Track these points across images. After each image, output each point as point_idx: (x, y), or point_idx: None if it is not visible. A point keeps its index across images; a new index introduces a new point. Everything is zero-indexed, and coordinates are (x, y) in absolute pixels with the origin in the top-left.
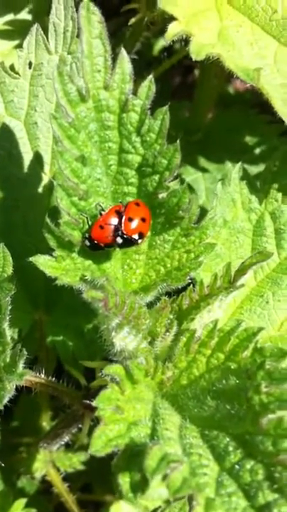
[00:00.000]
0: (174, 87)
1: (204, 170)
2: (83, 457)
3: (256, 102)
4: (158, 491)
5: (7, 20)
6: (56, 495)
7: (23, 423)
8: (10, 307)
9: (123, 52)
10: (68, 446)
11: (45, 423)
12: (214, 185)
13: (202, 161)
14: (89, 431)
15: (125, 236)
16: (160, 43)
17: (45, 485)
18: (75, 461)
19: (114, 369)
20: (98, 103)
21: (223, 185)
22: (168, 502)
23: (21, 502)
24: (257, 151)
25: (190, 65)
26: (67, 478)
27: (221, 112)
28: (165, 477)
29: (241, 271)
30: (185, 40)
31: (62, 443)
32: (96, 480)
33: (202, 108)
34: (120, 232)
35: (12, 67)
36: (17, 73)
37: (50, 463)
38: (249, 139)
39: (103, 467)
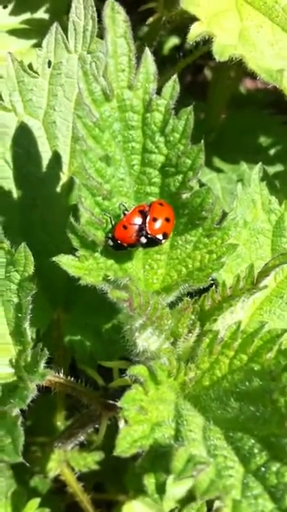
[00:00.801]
0: (185, 87)
1: (219, 170)
2: (97, 457)
3: (269, 102)
4: (172, 490)
5: (24, 19)
6: (69, 494)
7: (37, 422)
8: (30, 306)
9: (147, 51)
10: (82, 446)
11: (60, 422)
12: (229, 185)
13: (217, 162)
14: (106, 431)
15: (149, 236)
16: (171, 42)
17: (57, 484)
18: (90, 461)
19: (139, 370)
20: (122, 103)
21: (243, 186)
22: (182, 502)
23: (35, 502)
24: (272, 151)
25: (201, 65)
26: (79, 477)
27: (235, 112)
28: (191, 478)
29: (264, 272)
30: (203, 39)
31: (77, 443)
32: (109, 479)
33: (216, 108)
34: (144, 232)
35: (30, 66)
36: (36, 72)
37: (65, 462)
38: (263, 140)
39: (115, 467)
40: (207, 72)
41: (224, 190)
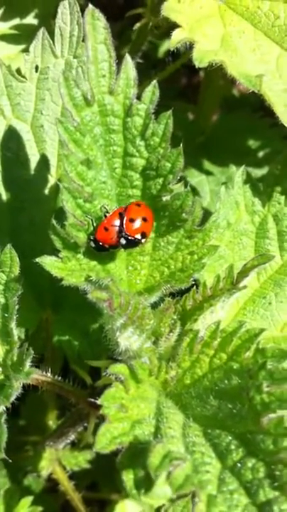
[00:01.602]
0: (180, 89)
1: (208, 172)
2: (89, 456)
3: (261, 105)
4: (163, 489)
5: (13, 25)
6: (62, 493)
7: (29, 421)
8: (17, 307)
9: (127, 57)
10: (74, 445)
11: (52, 422)
12: (218, 188)
13: (206, 164)
14: (94, 429)
15: (128, 237)
16: (166, 45)
17: (51, 483)
18: (81, 460)
19: (119, 368)
20: (103, 107)
21: (226, 188)
22: (172, 500)
23: (27, 500)
24: (260, 154)
25: (195, 67)
26: (73, 476)
27: (225, 115)
28: (168, 474)
29: (243, 273)
30: (190, 44)
31: (68, 441)
32: (102, 478)
33: (207, 110)
34: (123, 233)
35: (19, 71)
36: (24, 77)
37: (56, 461)
38: (253, 142)
39: (109, 466)
40: (202, 75)
41: (213, 193)
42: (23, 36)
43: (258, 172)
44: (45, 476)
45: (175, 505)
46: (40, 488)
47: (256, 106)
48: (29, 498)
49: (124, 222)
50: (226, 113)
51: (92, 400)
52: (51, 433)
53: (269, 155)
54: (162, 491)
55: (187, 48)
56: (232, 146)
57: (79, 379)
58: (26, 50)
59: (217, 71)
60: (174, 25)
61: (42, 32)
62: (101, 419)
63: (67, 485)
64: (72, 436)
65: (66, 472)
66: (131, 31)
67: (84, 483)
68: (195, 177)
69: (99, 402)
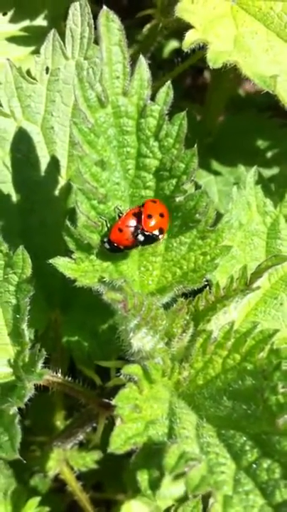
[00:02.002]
0: (184, 89)
1: (216, 173)
2: (96, 456)
3: (268, 105)
4: (169, 489)
5: (23, 26)
6: (69, 493)
7: (36, 422)
8: (28, 308)
9: (141, 58)
10: (81, 445)
11: (59, 422)
12: (226, 188)
13: (214, 164)
14: (103, 430)
15: (146, 233)
16: (171, 45)
17: (58, 483)
18: (89, 460)
19: (133, 369)
20: (117, 109)
21: (238, 189)
22: (180, 501)
23: (35, 500)
24: (269, 154)
25: (200, 67)
26: (79, 476)
27: (233, 115)
28: (182, 475)
29: (257, 273)
30: (201, 45)
31: (76, 442)
32: (108, 479)
33: (214, 111)
34: (140, 230)
35: (29, 73)
36: (34, 78)
37: (64, 461)
38: (261, 143)
39: (115, 466)
40: (207, 75)
41: (221, 193)
42: (33, 38)
43: (267, 172)
44: (51, 476)
45: (185, 505)
46: (46, 489)
47: (263, 106)
48: (36, 499)
49: (142, 218)
50: (233, 113)
51: (103, 400)
52: (59, 433)
53: (278, 155)
54: (169, 491)
55: (196, 48)
56: (240, 147)
57: (87, 379)
58: (36, 52)
59: (224, 72)
60: (185, 26)
61: (52, 33)
62: (111, 419)
63: (74, 485)
64: (81, 437)
65: (74, 472)
66: (136, 32)
67: (90, 484)
68: (203, 177)
69: (113, 402)
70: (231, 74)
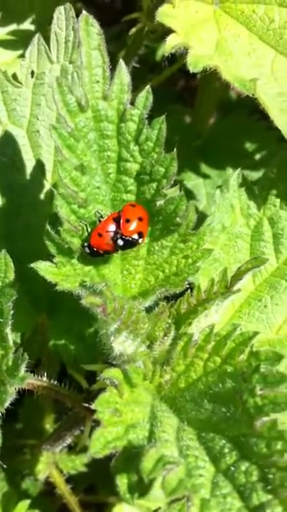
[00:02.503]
0: (177, 92)
1: (205, 175)
2: (86, 459)
3: (258, 108)
4: (160, 491)
5: (10, 30)
6: (59, 496)
7: (27, 425)
8: (12, 311)
9: (121, 63)
10: (71, 448)
11: (49, 425)
12: (214, 191)
13: (203, 167)
14: (90, 433)
15: (125, 238)
16: (162, 49)
17: (49, 487)
18: (78, 463)
19: (113, 373)
20: (97, 113)
21: (222, 192)
22: (169, 503)
23: (25, 503)
24: (257, 156)
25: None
26: (70, 479)
27: (222, 118)
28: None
29: (237, 276)
30: (186, 48)
31: (65, 445)
32: (100, 481)
33: (203, 114)
34: (119, 235)
35: (15, 76)
36: (19, 82)
37: (53, 465)
38: (249, 145)
39: (106, 469)
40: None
41: (209, 196)
42: (20, 42)
43: (254, 175)
44: (42, 479)
45: (171, 508)
46: (37, 492)
47: (253, 108)
48: (26, 502)
49: (121, 223)
50: (223, 116)
51: (88, 404)
52: (48, 437)
53: (265, 158)
54: (159, 493)
55: (183, 52)
56: (229, 149)
57: (75, 383)
58: (23, 56)
59: (213, 74)
60: (169, 30)
61: (37, 37)
62: (97, 423)
63: (63, 488)
64: (69, 440)
65: (63, 475)
66: (128, 35)
67: (82, 487)
68: (192, 180)
69: (92, 406)
70: (220, 77)
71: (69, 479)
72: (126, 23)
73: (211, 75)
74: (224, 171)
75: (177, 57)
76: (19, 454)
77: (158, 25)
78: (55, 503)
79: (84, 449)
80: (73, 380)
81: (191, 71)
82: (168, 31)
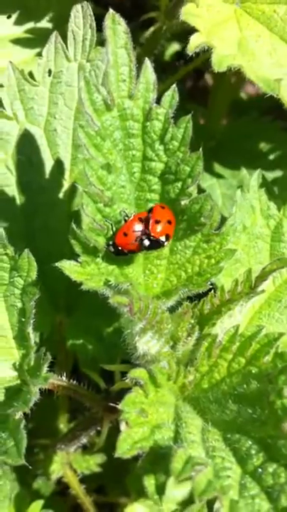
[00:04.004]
0: (186, 92)
1: (219, 176)
2: (100, 459)
3: (270, 108)
4: (173, 492)
5: (27, 29)
6: (71, 496)
7: (40, 425)
8: (34, 311)
9: (147, 62)
10: (85, 448)
11: (62, 425)
12: (229, 191)
13: (217, 168)
14: (107, 433)
15: (152, 238)
16: (172, 48)
17: (60, 486)
18: (92, 463)
19: (139, 373)
20: (123, 112)
21: (242, 192)
22: (183, 504)
23: (38, 503)
24: (271, 157)
25: (202, 70)
26: (81, 480)
27: (236, 118)
28: (186, 478)
29: (262, 277)
30: (203, 48)
31: (80, 445)
32: (111, 482)
33: (217, 114)
34: (147, 235)
35: (31, 75)
36: (37, 81)
37: (67, 465)
38: (263, 146)
39: (117, 470)
40: (208, 78)
41: (224, 196)
42: (38, 40)
43: (269, 175)
44: (54, 479)
45: (189, 509)
46: (49, 492)
47: (265, 109)
48: (40, 502)
49: (150, 223)
50: (235, 117)
51: (108, 404)
52: (62, 436)
53: (280, 158)
54: (171, 494)
55: (200, 52)
56: (243, 150)
57: (91, 383)
58: (40, 54)
59: (225, 75)
60: (188, 30)
61: (55, 36)
62: (115, 423)
63: (78, 488)
64: (84, 440)
65: (77, 476)
66: (139, 35)
67: (93, 487)
68: (207, 181)
69: (119, 407)
70: (232, 77)
71: (80, 480)
72: (136, 21)
73: (223, 76)
74: (238, 172)
75: (193, 57)
76: (32, 454)
77: (177, 25)
78: (67, 503)
79: (99, 449)
80: (88, 380)
81: (216, 71)
82: (182, 31)
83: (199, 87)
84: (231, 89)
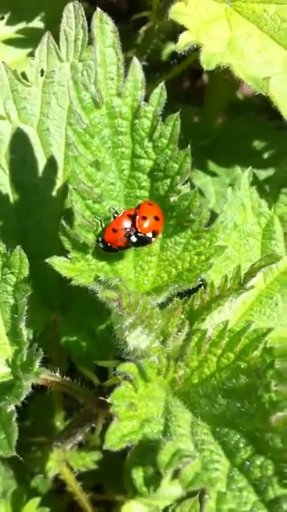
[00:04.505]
0: (184, 91)
1: (213, 174)
2: (96, 456)
3: (265, 107)
4: (168, 489)
5: (19, 29)
6: (69, 494)
7: (36, 422)
8: (26, 308)
9: (135, 60)
10: (81, 446)
11: (59, 422)
12: (223, 189)
13: (211, 166)
14: (102, 429)
15: (139, 234)
16: (169, 48)
17: (57, 484)
18: (88, 461)
19: (128, 367)
20: (111, 110)
21: (233, 190)
22: (179, 501)
23: (35, 501)
24: (265, 155)
25: (199, 70)
26: (78, 477)
27: (231, 118)
28: (177, 472)
29: (251, 273)
30: (196, 46)
31: (76, 442)
32: (108, 480)
33: (212, 113)
34: (134, 231)
35: (24, 75)
36: (29, 81)
37: (64, 462)
38: (258, 144)
39: (114, 467)
40: (206, 78)
41: (218, 194)
42: (29, 40)
43: (263, 173)
44: (51, 477)
45: (183, 505)
46: (46, 489)
47: (261, 108)
48: (37, 500)
49: (136, 219)
50: (232, 116)
51: (101, 399)
52: (59, 434)
53: (274, 157)
54: (168, 491)
55: (193, 50)
56: (237, 148)
57: (85, 380)
58: (32, 55)
59: (221, 74)
60: (179, 29)
61: (47, 36)
62: (109, 419)
63: (74, 486)
64: (80, 437)
65: (73, 473)
66: (135, 34)
67: (89, 485)
68: (200, 178)
69: (108, 400)
70: (227, 76)
71: (77, 477)
72: (132, 21)
73: (219, 75)
74: (232, 170)
75: (187, 56)
76: (29, 452)
77: (168, 24)
78: (64, 500)
79: (95, 446)
80: (83, 377)
81: (205, 69)
82: (176, 30)
83: (196, 87)
84: (227, 89)
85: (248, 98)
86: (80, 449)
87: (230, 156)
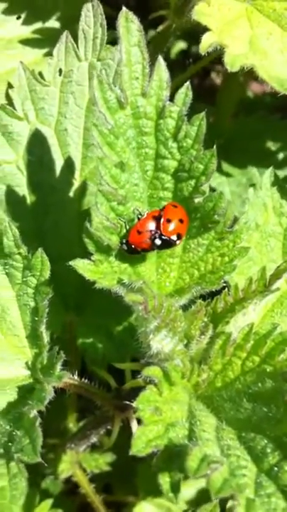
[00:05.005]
0: (193, 91)
1: (228, 174)
2: (109, 458)
3: (276, 106)
4: (181, 491)
5: (36, 29)
6: (79, 496)
7: (48, 424)
8: (47, 310)
9: (160, 59)
10: (93, 447)
11: (72, 424)
12: (238, 189)
13: (226, 166)
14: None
15: (163, 237)
16: (177, 47)
17: (68, 486)
18: (101, 462)
19: (153, 371)
20: (136, 110)
21: (254, 190)
22: (192, 503)
23: (48, 502)
24: (280, 155)
25: (208, 69)
26: (89, 479)
27: (244, 117)
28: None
29: (277, 275)
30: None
31: (89, 444)
32: (117, 481)
33: (225, 113)
34: (158, 234)
35: (42, 75)
36: (47, 81)
37: (77, 464)
38: (271, 144)
39: (124, 468)
40: (214, 76)
41: (234, 194)
42: (46, 40)
43: (279, 173)
44: (63, 478)
45: (202, 509)
46: (58, 491)
47: (272, 108)
48: (49, 501)
49: (161, 222)
50: (244, 115)
51: (119, 402)
52: (72, 435)
53: None
54: (180, 493)
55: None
56: (252, 148)
57: (100, 382)
58: (49, 54)
59: (234, 73)
60: (197, 28)
61: (65, 35)
62: (126, 421)
63: (87, 487)
64: (94, 439)
65: (86, 475)
66: (153, 33)
67: (99, 485)
68: (215, 179)
69: (133, 404)
70: (240, 76)
71: (89, 479)
72: (144, 20)
73: (231, 75)
74: (246, 170)
75: (202, 56)
76: (41, 454)
77: (186, 23)
78: (74, 502)
79: (108, 448)
80: (97, 379)
81: (229, 70)
82: (191, 29)
83: (205, 86)
84: (238, 88)
85: (259, 97)
86: (93, 451)
87: (244, 156)
